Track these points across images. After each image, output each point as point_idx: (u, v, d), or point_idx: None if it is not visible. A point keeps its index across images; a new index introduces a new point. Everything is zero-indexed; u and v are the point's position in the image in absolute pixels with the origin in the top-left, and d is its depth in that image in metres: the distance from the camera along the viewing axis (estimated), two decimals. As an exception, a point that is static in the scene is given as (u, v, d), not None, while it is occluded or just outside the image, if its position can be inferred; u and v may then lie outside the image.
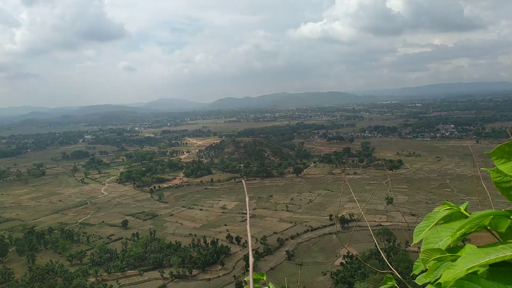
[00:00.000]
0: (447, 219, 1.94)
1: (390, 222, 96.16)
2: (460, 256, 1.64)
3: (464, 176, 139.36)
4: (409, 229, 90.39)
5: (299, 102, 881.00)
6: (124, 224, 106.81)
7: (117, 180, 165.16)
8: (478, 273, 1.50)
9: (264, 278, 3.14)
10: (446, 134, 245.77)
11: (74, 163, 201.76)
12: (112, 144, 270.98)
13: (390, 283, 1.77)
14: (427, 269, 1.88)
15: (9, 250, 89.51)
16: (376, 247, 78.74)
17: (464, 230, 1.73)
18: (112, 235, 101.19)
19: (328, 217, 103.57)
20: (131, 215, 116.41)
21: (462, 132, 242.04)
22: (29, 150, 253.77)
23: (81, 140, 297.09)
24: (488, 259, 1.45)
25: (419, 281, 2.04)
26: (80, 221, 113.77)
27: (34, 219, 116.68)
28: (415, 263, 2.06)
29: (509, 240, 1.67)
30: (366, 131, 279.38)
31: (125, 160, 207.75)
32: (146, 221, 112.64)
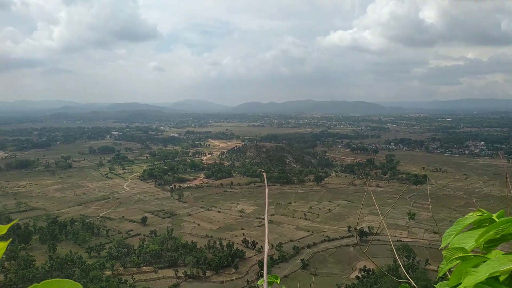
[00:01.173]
0: (477, 226, 1.90)
1: (411, 238, 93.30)
2: (485, 260, 1.64)
3: (492, 196, 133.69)
4: (430, 247, 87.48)
5: (325, 110, 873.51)
6: (143, 221, 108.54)
7: (139, 177, 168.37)
8: (500, 278, 1.49)
9: (278, 281, 3.17)
10: (476, 151, 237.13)
11: (100, 157, 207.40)
12: (138, 141, 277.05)
13: None
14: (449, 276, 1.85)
15: (33, 238, 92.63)
16: (395, 262, 76.48)
17: (489, 236, 1.70)
18: (131, 230, 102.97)
19: (347, 229, 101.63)
20: (150, 212, 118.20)
21: (493, 150, 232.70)
22: (58, 142, 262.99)
23: (108, 136, 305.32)
24: (511, 266, 1.43)
25: (440, 287, 2.01)
26: (101, 214, 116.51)
27: (58, 210, 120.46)
28: (440, 265, 2.02)
29: None
30: (392, 143, 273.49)
31: (148, 157, 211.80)
32: (165, 219, 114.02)
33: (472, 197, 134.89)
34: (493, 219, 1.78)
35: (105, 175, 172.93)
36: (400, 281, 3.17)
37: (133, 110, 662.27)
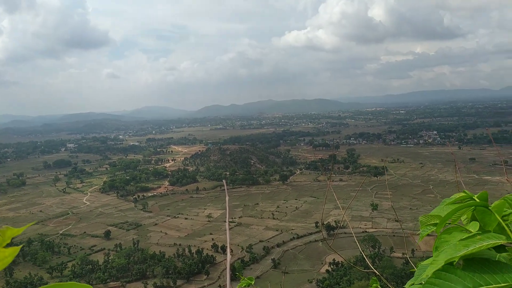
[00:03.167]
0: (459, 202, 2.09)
1: (375, 228, 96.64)
2: (461, 229, 1.87)
3: (446, 181, 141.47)
4: (394, 235, 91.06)
5: (286, 109, 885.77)
6: (107, 235, 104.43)
7: (100, 189, 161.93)
8: (454, 263, 1.60)
9: (253, 282, 3.24)
10: (429, 140, 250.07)
11: (56, 172, 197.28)
12: (96, 152, 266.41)
13: (375, 285, 1.84)
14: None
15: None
16: (361, 253, 78.78)
17: (459, 206, 1.91)
18: (94, 246, 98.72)
19: (314, 224, 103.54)
20: (114, 225, 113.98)
21: (445, 138, 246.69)
22: (9, 159, 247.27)
23: (64, 149, 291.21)
24: (466, 251, 1.57)
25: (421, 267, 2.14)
26: (61, 232, 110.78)
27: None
28: (420, 232, 2.23)
29: (487, 230, 1.81)
30: (352, 138, 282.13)
31: (108, 168, 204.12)
32: (130, 231, 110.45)
33: (429, 184, 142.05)
34: (473, 198, 1.91)
35: (62, 190, 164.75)
36: (367, 271, 3.50)
37: (89, 120, 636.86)
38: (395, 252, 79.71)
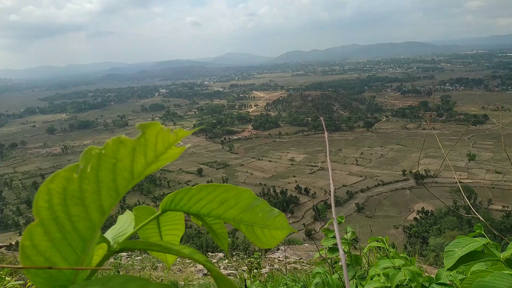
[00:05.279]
0: None
1: (472, 179, 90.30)
2: None
3: None
4: (493, 187, 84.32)
5: (371, 54, 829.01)
6: (199, 172, 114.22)
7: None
8: None
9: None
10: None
11: (152, 115, 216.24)
12: (185, 97, 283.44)
13: (478, 231, 1.81)
14: None
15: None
16: (455, 203, 75.01)
17: None
18: (189, 181, 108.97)
19: (401, 172, 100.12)
20: (205, 164, 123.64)
21: None
22: (112, 102, 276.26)
23: (157, 93, 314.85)
24: None
25: None
26: (161, 167, 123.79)
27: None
28: None
29: None
30: (447, 84, 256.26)
31: (196, 112, 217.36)
32: (219, 170, 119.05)
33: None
34: None
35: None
36: (467, 216, 3.22)
37: (177, 67, 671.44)
38: (493, 204, 74.43)
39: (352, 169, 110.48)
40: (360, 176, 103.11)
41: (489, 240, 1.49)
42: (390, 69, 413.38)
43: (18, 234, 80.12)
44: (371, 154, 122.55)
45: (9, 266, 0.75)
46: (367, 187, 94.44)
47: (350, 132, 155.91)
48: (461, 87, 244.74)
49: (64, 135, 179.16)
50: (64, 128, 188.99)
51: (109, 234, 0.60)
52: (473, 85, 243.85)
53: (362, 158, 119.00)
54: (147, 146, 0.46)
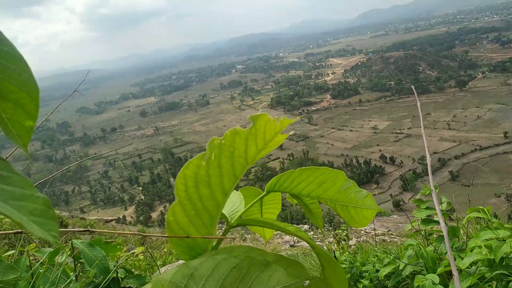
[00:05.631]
0: None
1: None
2: None
3: None
4: None
5: (461, 3, 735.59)
6: (281, 145, 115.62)
7: (268, 105, 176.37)
8: None
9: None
10: None
11: (231, 92, 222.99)
12: (260, 71, 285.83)
13: None
14: None
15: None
16: None
17: None
18: (270, 155, 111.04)
19: (503, 135, 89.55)
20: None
21: None
22: (193, 83, 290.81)
23: (234, 70, 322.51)
24: None
25: None
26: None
27: (205, 142, 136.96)
28: None
29: None
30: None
31: (273, 86, 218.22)
32: (299, 142, 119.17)
33: None
34: None
35: (238, 107, 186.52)
36: None
37: (252, 41, 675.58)
38: None
39: (444, 134, 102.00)
40: (454, 141, 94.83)
41: None
42: (486, 18, 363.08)
43: (124, 208, 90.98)
44: (466, 116, 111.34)
45: (159, 235, 0.90)
46: (462, 153, 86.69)
47: (440, 94, 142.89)
48: None
49: (155, 117, 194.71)
50: (154, 111, 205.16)
51: (224, 211, 0.67)
52: None
53: (455, 121, 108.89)
54: (257, 135, 0.50)
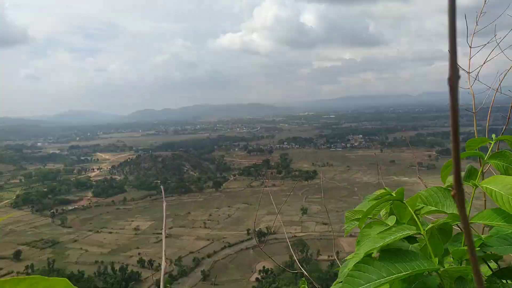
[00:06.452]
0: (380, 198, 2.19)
1: (304, 232, 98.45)
2: (381, 223, 2.04)
3: (370, 184, 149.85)
4: (321, 238, 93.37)
5: (222, 114, 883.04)
6: (16, 255, 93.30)
7: (11, 204, 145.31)
8: (373, 255, 1.74)
9: None
10: (356, 144, 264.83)
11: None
12: (8, 162, 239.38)
13: (303, 286, 2.00)
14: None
15: None
16: (290, 258, 79.40)
17: (380, 202, 2.02)
18: (0, 269, 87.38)
19: (246, 232, 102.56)
20: (25, 244, 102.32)
21: (369, 142, 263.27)
22: None
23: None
24: (383, 242, 1.69)
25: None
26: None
27: None
28: (345, 227, 2.37)
29: (402, 223, 1.95)
30: (285, 143, 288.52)
31: (23, 180, 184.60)
32: (45, 249, 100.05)
33: (354, 187, 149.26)
34: (391, 194, 2.01)
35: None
36: (295, 272, 3.68)
37: (3, 126, 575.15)
38: (321, 255, 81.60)
39: (200, 232, 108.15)
40: (208, 239, 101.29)
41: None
42: (238, 129, 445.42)
43: None
44: (219, 215, 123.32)
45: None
46: (214, 251, 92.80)
47: (200, 193, 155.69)
48: (296, 145, 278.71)
49: None
50: None
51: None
52: (305, 144, 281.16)
53: (210, 220, 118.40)
54: None
